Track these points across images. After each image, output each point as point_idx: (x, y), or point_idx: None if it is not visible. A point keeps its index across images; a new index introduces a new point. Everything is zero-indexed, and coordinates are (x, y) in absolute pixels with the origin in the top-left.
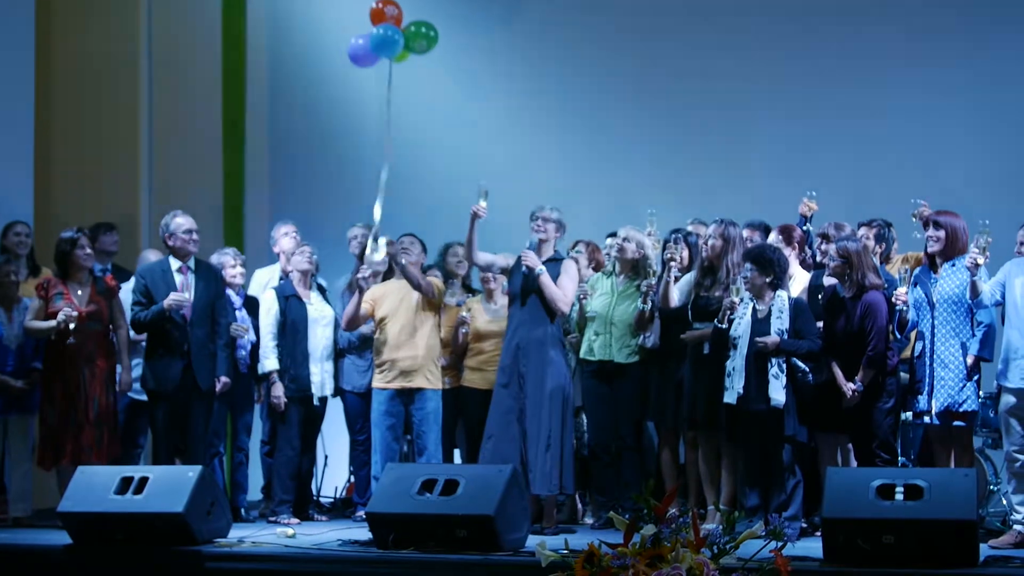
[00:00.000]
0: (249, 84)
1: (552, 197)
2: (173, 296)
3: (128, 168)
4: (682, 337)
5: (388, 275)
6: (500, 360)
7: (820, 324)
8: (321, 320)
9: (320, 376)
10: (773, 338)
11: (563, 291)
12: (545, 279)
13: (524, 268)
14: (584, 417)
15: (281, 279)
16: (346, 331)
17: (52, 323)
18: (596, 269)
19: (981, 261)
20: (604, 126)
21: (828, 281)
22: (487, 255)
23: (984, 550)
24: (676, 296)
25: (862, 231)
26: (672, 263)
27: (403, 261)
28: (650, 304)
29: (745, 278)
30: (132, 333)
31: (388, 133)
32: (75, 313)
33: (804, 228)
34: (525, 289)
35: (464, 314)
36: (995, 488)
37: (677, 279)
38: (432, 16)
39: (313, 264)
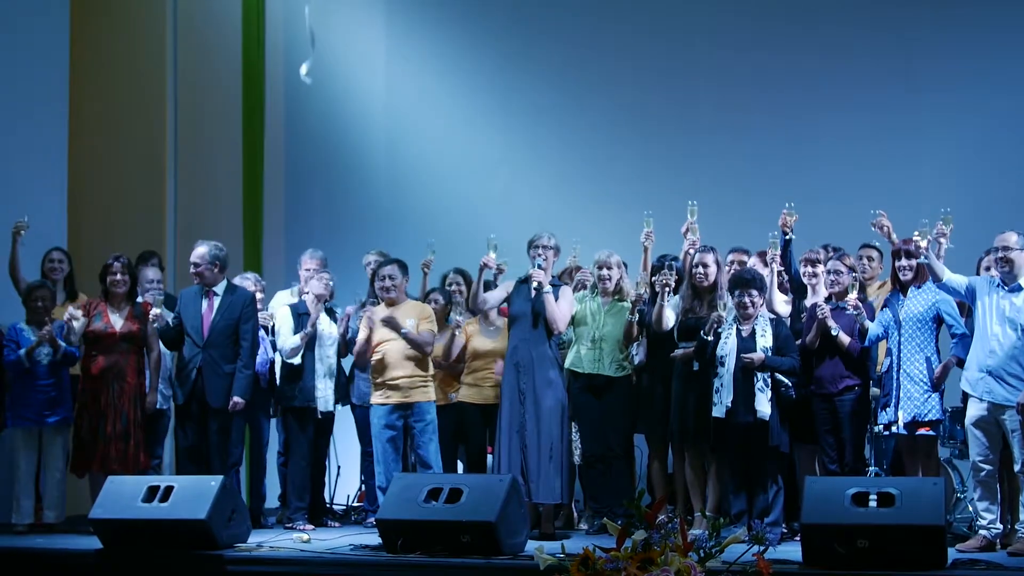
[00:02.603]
0: (268, 118)
1: (542, 221)
2: (152, 305)
3: (154, 199)
4: (672, 356)
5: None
6: (503, 378)
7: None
8: (327, 339)
9: (324, 392)
10: (759, 355)
11: (562, 312)
12: (549, 299)
13: (534, 284)
14: (574, 427)
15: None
16: (356, 366)
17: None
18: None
19: (924, 244)
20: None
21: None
22: (491, 297)
23: (952, 553)
24: (671, 318)
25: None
26: (666, 288)
27: (403, 329)
28: (637, 315)
29: (749, 303)
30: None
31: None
32: (79, 313)
33: (785, 239)
34: (526, 310)
35: (458, 317)
36: (962, 496)
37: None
38: (430, 37)
39: (328, 290)
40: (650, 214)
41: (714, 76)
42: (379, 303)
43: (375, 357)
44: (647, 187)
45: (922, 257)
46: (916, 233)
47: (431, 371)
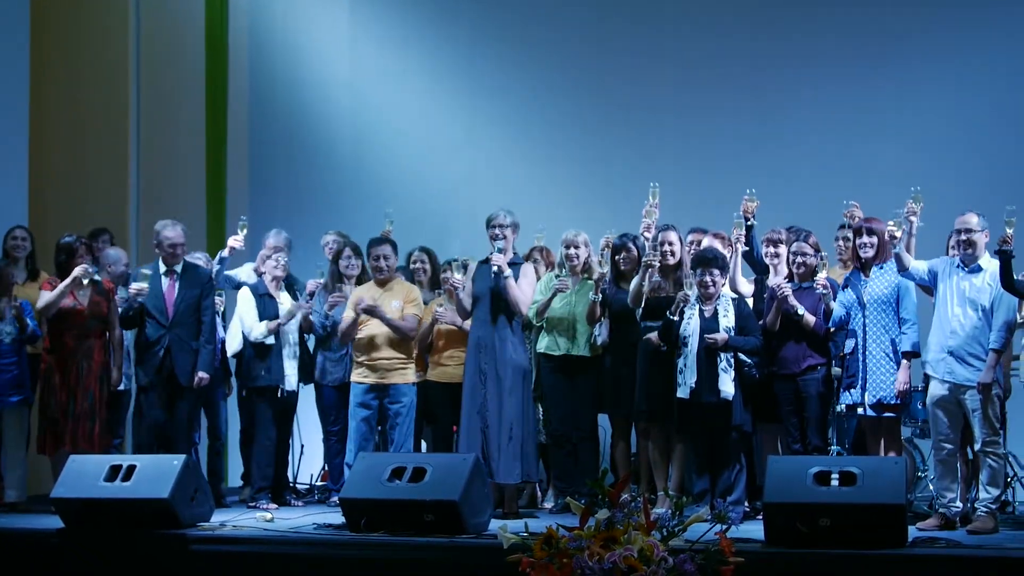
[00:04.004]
0: (231, 98)
1: (505, 201)
2: (133, 286)
3: (117, 177)
4: (646, 339)
5: (363, 279)
6: (466, 357)
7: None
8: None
9: (288, 371)
10: (722, 335)
11: (524, 294)
12: (510, 282)
13: (494, 268)
14: (540, 407)
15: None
16: (341, 344)
17: (68, 280)
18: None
19: (898, 234)
20: (555, 135)
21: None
22: (467, 290)
23: (912, 532)
24: (643, 299)
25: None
26: (651, 268)
27: (385, 317)
28: (601, 295)
29: (711, 282)
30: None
31: None
32: (94, 269)
33: (748, 224)
34: (487, 292)
35: (438, 309)
36: (922, 475)
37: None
38: (394, 16)
39: (284, 271)
40: (656, 185)
41: (678, 56)
42: (338, 283)
43: (359, 335)
44: (610, 167)
45: (896, 247)
46: (891, 223)
47: (413, 353)
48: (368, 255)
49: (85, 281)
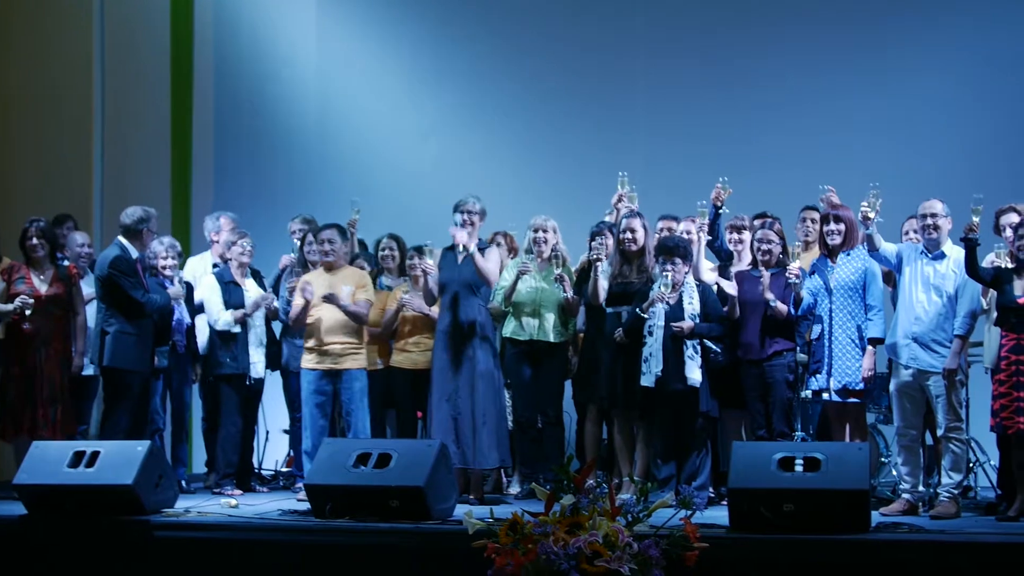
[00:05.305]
0: (196, 83)
1: (473, 189)
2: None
3: (81, 161)
4: (616, 337)
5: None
6: (434, 345)
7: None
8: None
9: (255, 358)
10: (688, 323)
11: (492, 267)
12: (476, 256)
13: (459, 247)
14: (506, 393)
15: (215, 265)
16: (293, 328)
17: (10, 307)
18: (512, 255)
19: (871, 216)
20: (523, 124)
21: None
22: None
23: (875, 517)
24: (604, 290)
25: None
26: (598, 262)
27: (342, 304)
28: (570, 292)
29: (672, 270)
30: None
31: None
32: (31, 300)
33: (717, 212)
34: (455, 278)
35: (404, 296)
36: (886, 460)
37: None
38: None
39: (250, 257)
40: (624, 174)
41: (647, 46)
42: (306, 269)
43: (309, 320)
44: (579, 156)
45: (869, 228)
46: (864, 204)
47: (364, 338)
48: (315, 240)
49: (28, 312)
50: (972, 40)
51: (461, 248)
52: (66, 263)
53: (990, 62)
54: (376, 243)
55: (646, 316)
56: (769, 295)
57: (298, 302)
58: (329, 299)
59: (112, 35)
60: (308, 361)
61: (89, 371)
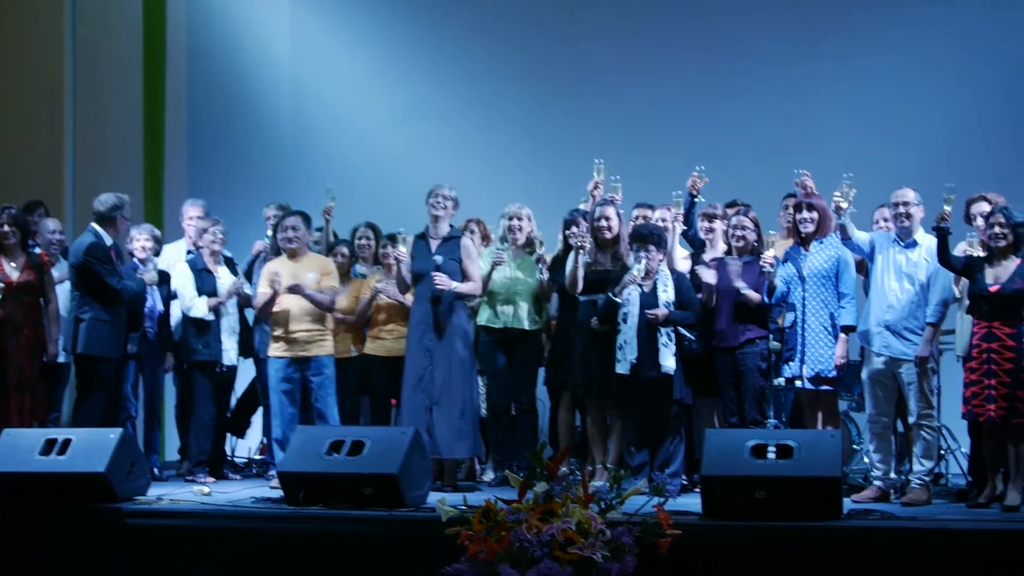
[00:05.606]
0: (168, 70)
1: (447, 177)
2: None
3: (52, 148)
4: (592, 327)
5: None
6: (408, 333)
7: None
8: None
9: (228, 345)
10: (662, 310)
11: (473, 280)
12: (458, 289)
13: (436, 284)
14: (480, 380)
15: (189, 252)
16: (260, 317)
17: None
18: (485, 243)
19: (844, 205)
20: (497, 112)
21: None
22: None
23: (847, 504)
24: (582, 279)
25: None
26: (581, 250)
27: (307, 293)
28: (548, 275)
29: (646, 257)
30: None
31: None
32: (2, 286)
33: (692, 201)
34: (428, 267)
35: (378, 284)
36: (858, 448)
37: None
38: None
39: (222, 244)
40: (600, 161)
41: (621, 35)
42: (279, 255)
43: (276, 309)
44: (553, 144)
45: (842, 217)
46: (837, 193)
47: (330, 325)
48: (278, 228)
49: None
50: (947, 28)
51: (438, 285)
52: (38, 250)
53: (965, 51)
54: (352, 232)
55: (619, 301)
56: (739, 283)
57: (264, 291)
58: (294, 290)
59: (84, 21)
60: (275, 349)
61: (61, 358)
